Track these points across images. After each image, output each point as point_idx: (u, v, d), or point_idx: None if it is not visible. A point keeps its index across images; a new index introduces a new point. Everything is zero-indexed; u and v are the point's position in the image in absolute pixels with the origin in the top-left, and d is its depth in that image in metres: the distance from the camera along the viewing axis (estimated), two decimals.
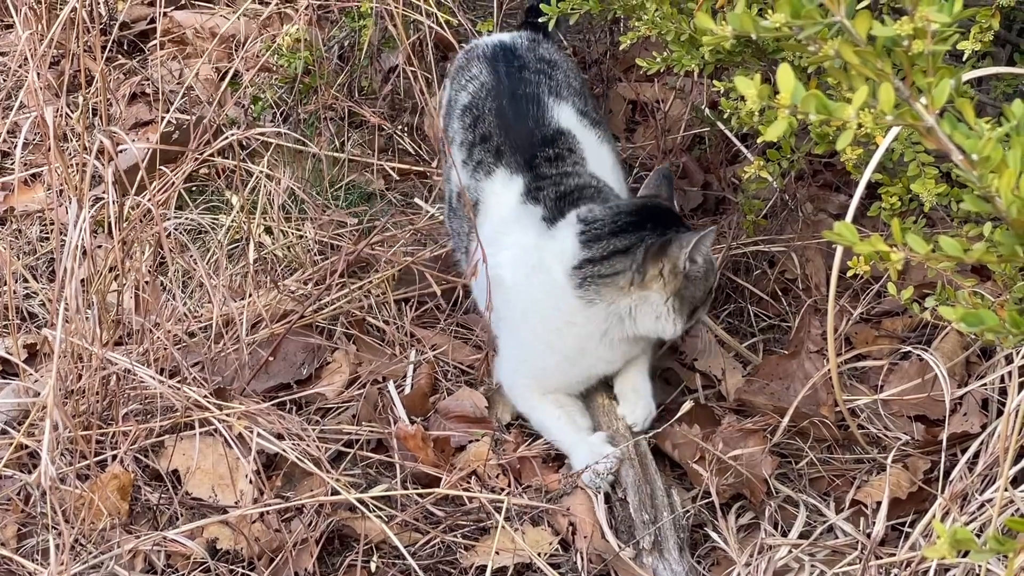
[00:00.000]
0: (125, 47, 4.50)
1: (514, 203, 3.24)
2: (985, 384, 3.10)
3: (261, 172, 3.58)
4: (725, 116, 3.11)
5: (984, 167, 1.64)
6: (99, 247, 3.11)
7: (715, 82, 3.11)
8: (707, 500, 2.99)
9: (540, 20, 3.35)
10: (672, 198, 3.19)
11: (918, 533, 2.81)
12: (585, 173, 3.27)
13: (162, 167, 3.34)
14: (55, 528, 2.71)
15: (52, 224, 3.48)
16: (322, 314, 3.38)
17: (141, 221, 3.12)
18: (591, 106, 3.51)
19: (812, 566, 2.87)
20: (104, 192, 2.98)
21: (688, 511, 2.98)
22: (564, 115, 3.36)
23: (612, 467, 2.99)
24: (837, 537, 2.96)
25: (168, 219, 3.36)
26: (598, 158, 3.36)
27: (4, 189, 3.86)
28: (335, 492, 2.84)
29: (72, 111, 3.77)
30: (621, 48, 3.27)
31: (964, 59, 2.86)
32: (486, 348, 3.34)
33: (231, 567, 2.82)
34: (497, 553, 2.86)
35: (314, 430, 3.06)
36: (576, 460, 3.07)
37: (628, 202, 3.22)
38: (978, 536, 2.64)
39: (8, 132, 3.89)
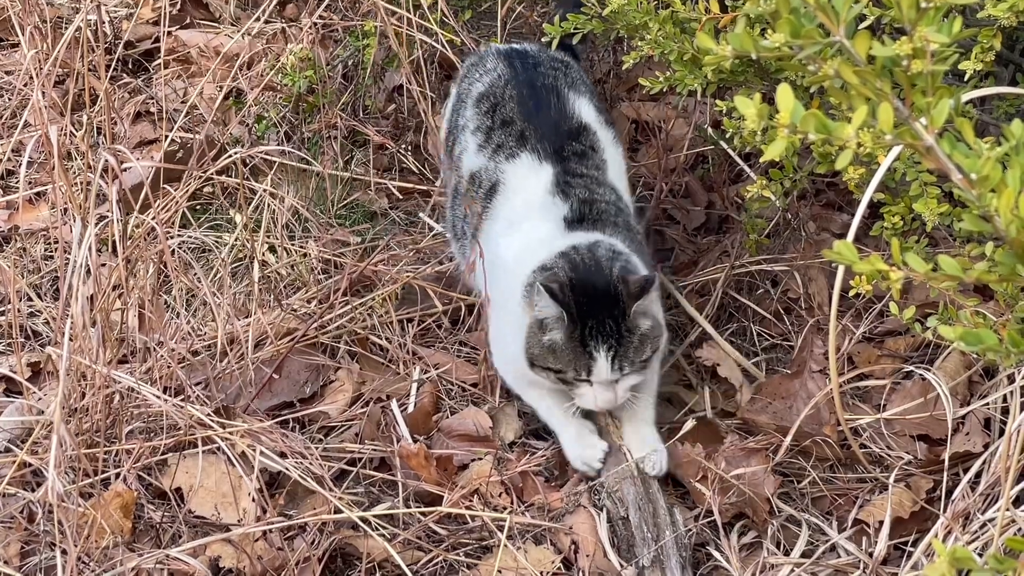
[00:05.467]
0: (130, 66, 4.52)
1: (542, 192, 3.24)
2: (987, 404, 3.10)
3: (265, 191, 3.58)
4: (728, 135, 3.12)
5: (983, 187, 1.65)
6: (103, 265, 3.12)
7: (718, 101, 3.12)
8: (709, 519, 3.00)
9: (543, 40, 3.38)
10: (636, 295, 2.97)
11: (920, 552, 2.81)
12: (607, 183, 3.29)
13: (166, 186, 3.35)
14: (59, 546, 2.71)
15: (56, 243, 3.49)
16: (325, 333, 3.38)
17: (145, 239, 3.13)
18: (604, 107, 3.53)
19: None
20: (108, 211, 2.99)
21: (690, 530, 2.98)
22: (584, 109, 3.40)
23: (600, 456, 3.04)
24: (839, 556, 2.95)
25: (172, 237, 3.37)
26: (615, 161, 3.38)
27: (8, 208, 3.87)
28: (338, 510, 2.85)
29: (76, 130, 3.78)
30: (624, 68, 3.27)
31: (966, 79, 2.86)
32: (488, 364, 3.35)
33: None
34: (499, 572, 2.86)
35: (317, 448, 3.06)
36: (564, 442, 3.11)
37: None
38: (980, 556, 2.64)
39: (13, 151, 3.91)
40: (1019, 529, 2.66)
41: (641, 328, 2.98)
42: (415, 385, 3.34)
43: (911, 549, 2.91)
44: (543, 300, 2.94)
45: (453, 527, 2.99)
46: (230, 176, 3.52)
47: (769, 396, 3.28)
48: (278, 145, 3.97)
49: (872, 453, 3.16)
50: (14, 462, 2.83)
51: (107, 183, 2.98)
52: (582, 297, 2.96)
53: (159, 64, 4.32)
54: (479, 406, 3.29)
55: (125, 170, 3.14)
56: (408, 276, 3.49)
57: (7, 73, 4.38)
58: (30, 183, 3.90)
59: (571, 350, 2.96)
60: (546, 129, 3.31)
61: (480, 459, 3.13)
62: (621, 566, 2.89)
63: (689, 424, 3.13)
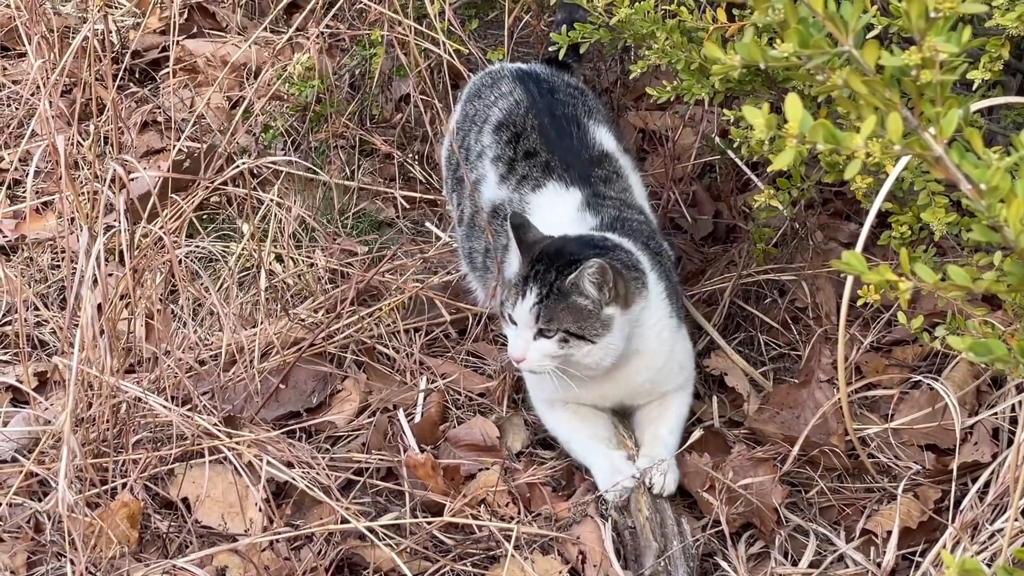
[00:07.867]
0: (137, 75, 4.52)
1: (573, 212, 3.25)
2: (996, 413, 3.09)
3: (272, 200, 3.58)
4: (735, 145, 3.12)
5: (992, 197, 1.64)
6: (110, 275, 3.12)
7: (725, 111, 3.11)
8: (717, 529, 2.99)
9: (551, 49, 3.37)
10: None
11: (928, 563, 2.80)
12: (635, 205, 3.32)
13: (173, 195, 3.35)
14: (66, 556, 2.71)
15: (63, 252, 3.49)
16: (332, 342, 3.38)
17: (152, 249, 3.13)
18: (621, 134, 3.54)
19: None
20: (116, 220, 2.99)
21: (698, 540, 2.97)
22: (605, 138, 3.42)
23: (626, 492, 3.00)
24: (847, 567, 2.95)
25: (179, 247, 3.37)
26: (638, 186, 3.42)
27: (16, 217, 3.87)
28: (345, 520, 2.84)
29: (84, 139, 3.78)
30: (631, 77, 3.27)
31: (974, 88, 2.86)
32: (497, 377, 3.35)
33: None
34: None
35: (324, 458, 3.06)
36: (597, 475, 3.07)
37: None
38: (989, 566, 2.63)
39: (20, 160, 3.91)
40: None
41: (574, 299, 2.96)
42: (422, 395, 3.34)
43: (919, 559, 2.90)
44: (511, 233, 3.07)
45: (460, 537, 2.98)
46: (237, 186, 3.52)
47: (777, 406, 3.28)
48: (285, 154, 3.97)
49: (880, 463, 3.15)
50: (21, 472, 2.83)
51: (114, 193, 2.99)
52: (548, 249, 3.02)
53: (166, 73, 4.32)
54: (486, 416, 3.29)
55: (132, 180, 3.14)
56: (416, 286, 3.49)
57: (14, 83, 4.39)
58: (37, 193, 3.91)
59: (514, 285, 3.02)
60: (571, 158, 3.32)
61: (487, 469, 3.13)
62: None
63: (697, 434, 3.12)
